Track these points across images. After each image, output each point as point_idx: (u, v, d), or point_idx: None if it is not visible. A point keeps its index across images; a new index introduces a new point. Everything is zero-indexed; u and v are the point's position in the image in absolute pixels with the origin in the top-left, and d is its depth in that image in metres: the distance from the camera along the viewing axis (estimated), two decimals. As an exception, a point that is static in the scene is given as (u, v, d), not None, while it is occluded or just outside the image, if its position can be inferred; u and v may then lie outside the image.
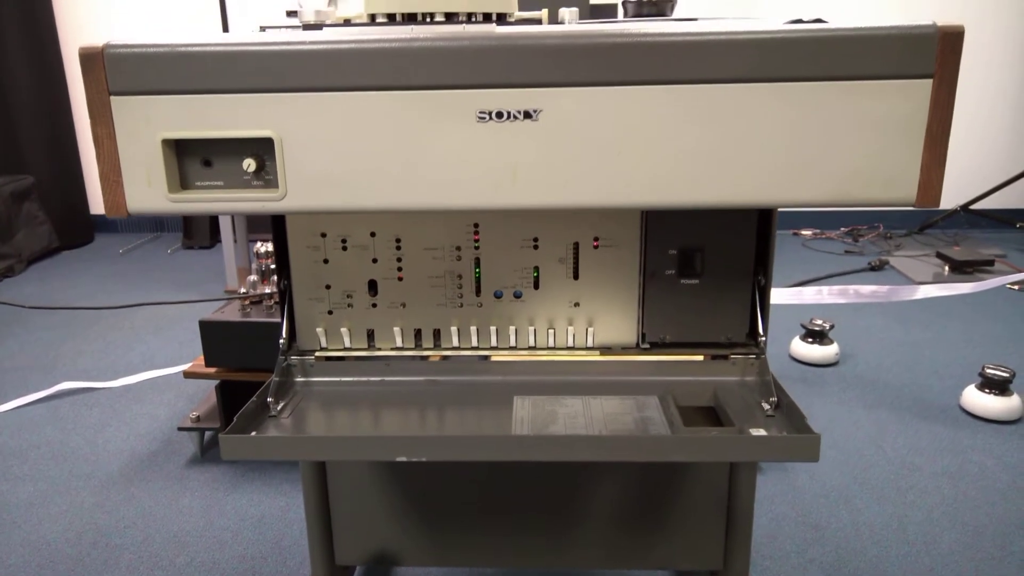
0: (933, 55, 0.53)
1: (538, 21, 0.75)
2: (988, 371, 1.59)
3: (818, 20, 0.58)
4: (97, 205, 3.30)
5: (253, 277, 1.40)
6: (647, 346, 0.74)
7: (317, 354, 0.76)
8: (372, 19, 0.65)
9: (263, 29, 2.15)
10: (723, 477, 0.84)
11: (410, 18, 0.65)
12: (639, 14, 0.91)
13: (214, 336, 1.36)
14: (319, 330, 0.76)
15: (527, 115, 0.55)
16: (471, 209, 0.58)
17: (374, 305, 0.76)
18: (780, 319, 2.04)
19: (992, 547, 1.19)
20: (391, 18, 0.65)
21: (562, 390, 0.72)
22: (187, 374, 1.44)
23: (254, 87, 0.56)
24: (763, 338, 0.71)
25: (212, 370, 1.41)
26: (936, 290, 1.70)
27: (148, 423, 1.65)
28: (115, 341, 2.14)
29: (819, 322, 1.87)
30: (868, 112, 0.54)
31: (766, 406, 0.67)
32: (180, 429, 1.47)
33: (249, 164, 0.58)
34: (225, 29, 2.22)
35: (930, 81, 0.53)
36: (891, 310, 2.22)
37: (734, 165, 0.56)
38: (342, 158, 0.57)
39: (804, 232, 3.17)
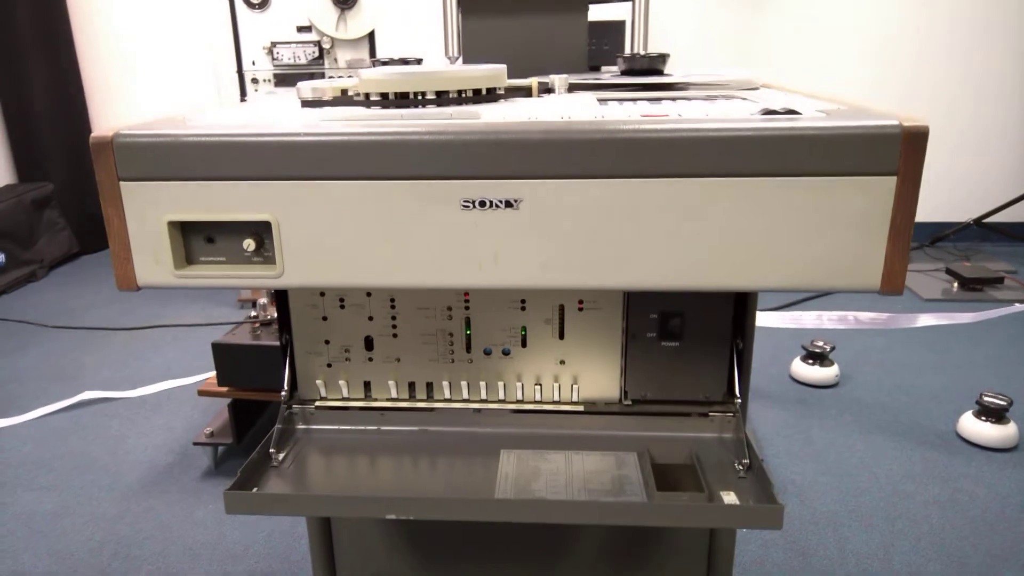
0: (896, 154, 0.56)
1: (528, 90, 0.78)
2: (986, 399, 1.61)
3: (790, 111, 0.61)
4: (117, 208, 3.36)
5: (263, 300, 1.45)
6: (629, 403, 0.78)
7: (317, 404, 0.81)
8: (367, 97, 0.69)
9: (274, 45, 2.17)
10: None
11: (402, 96, 0.69)
12: (631, 71, 0.94)
13: (226, 358, 1.41)
14: (319, 382, 0.80)
15: (508, 204, 0.59)
16: (456, 288, 0.61)
17: (370, 359, 0.80)
18: (781, 339, 2.07)
19: (976, 579, 1.22)
20: (384, 96, 0.68)
21: (547, 443, 0.76)
22: (201, 392, 1.49)
23: (253, 175, 0.60)
24: (739, 400, 0.75)
25: (224, 389, 1.46)
26: (936, 319, 1.72)
27: (165, 435, 1.70)
28: (135, 351, 2.20)
29: (820, 343, 1.90)
30: (834, 206, 0.57)
31: (739, 467, 0.70)
32: (195, 444, 1.53)
33: (249, 244, 0.62)
34: (236, 44, 2.26)
35: (894, 178, 0.56)
36: (894, 330, 2.23)
37: (706, 252, 0.59)
38: (335, 240, 0.61)
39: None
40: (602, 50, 2.30)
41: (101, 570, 1.27)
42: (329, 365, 0.80)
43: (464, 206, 0.59)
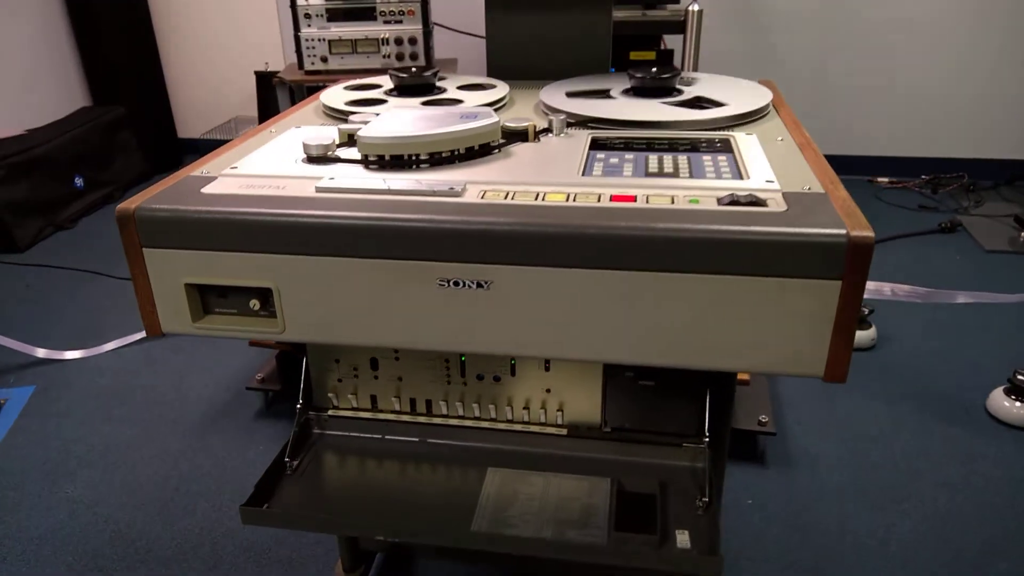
0: (842, 261, 0.58)
1: (523, 134, 0.81)
2: (1019, 376, 1.60)
3: (753, 200, 0.63)
4: (184, 130, 3.50)
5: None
6: (608, 430, 0.84)
7: (330, 412, 0.90)
8: (365, 159, 0.74)
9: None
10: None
11: (397, 159, 0.73)
12: (642, 90, 0.95)
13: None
14: (331, 394, 0.89)
15: (479, 285, 0.64)
16: (437, 351, 0.68)
17: (376, 377, 0.88)
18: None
19: (968, 569, 1.26)
20: (380, 158, 0.73)
21: (532, 462, 0.84)
22: (252, 343, 1.62)
23: (256, 248, 0.66)
24: (707, 439, 0.80)
25: (272, 342, 1.58)
26: (976, 298, 1.69)
27: (223, 372, 1.86)
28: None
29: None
30: (783, 304, 0.61)
31: (700, 503, 0.77)
32: (248, 388, 1.67)
33: (255, 303, 0.69)
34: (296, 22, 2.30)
35: (839, 283, 0.59)
36: (946, 286, 2.19)
37: (663, 335, 0.64)
38: (328, 306, 0.68)
39: (880, 180, 3.07)
40: None
41: (164, 503, 1.44)
42: (340, 380, 0.89)
43: (440, 284, 0.65)
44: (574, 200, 0.65)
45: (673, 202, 0.64)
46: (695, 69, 2.20)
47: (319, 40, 2.32)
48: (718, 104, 0.90)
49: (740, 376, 1.46)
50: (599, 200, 0.65)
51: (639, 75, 0.94)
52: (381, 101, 0.97)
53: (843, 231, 0.58)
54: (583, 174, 0.71)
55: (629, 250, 0.60)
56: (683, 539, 0.73)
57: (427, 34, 2.33)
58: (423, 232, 0.63)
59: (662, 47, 2.33)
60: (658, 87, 0.95)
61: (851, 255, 0.58)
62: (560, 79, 1.10)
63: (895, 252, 2.46)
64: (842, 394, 1.73)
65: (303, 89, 2.53)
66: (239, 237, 0.66)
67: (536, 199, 0.66)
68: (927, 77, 2.95)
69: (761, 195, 0.64)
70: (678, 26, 2.18)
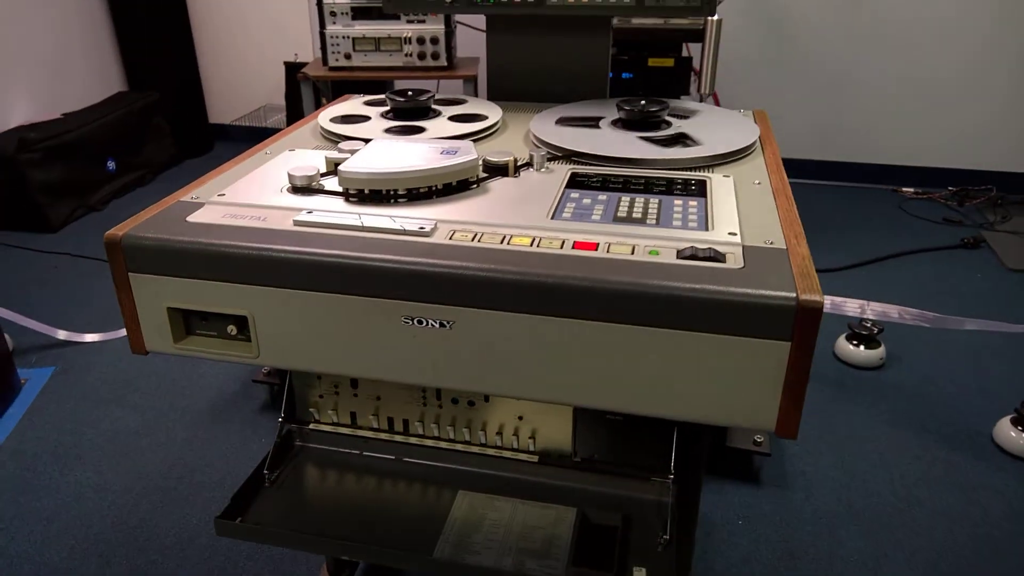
0: (791, 324, 0.59)
1: (504, 168, 0.82)
2: (1025, 407, 1.58)
3: (711, 256, 0.64)
4: (215, 115, 3.56)
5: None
6: (578, 460, 0.86)
7: (311, 426, 0.93)
8: (346, 191, 0.76)
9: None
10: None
11: (376, 193, 0.75)
12: (630, 123, 0.96)
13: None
14: (312, 409, 0.92)
15: (442, 324, 0.66)
16: (403, 383, 0.70)
17: (355, 395, 0.90)
18: (830, 315, 2.04)
19: (953, 603, 1.26)
20: (360, 192, 0.75)
21: (502, 486, 0.86)
22: (260, 339, 1.66)
23: (234, 278, 0.69)
24: (671, 476, 0.81)
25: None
26: (985, 326, 1.66)
27: (233, 364, 1.90)
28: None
29: (868, 323, 1.88)
30: (736, 360, 0.62)
31: (660, 540, 0.78)
32: (254, 381, 1.72)
33: (231, 329, 0.72)
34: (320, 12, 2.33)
35: (788, 344, 0.60)
36: (962, 307, 2.16)
37: (617, 383, 0.65)
38: (299, 335, 0.70)
39: (905, 190, 3.02)
40: None
41: (168, 491, 1.49)
42: (321, 396, 0.92)
43: (405, 322, 0.67)
44: (538, 245, 0.67)
45: (633, 252, 0.65)
46: (713, 77, 2.18)
47: (343, 37, 2.35)
48: (697, 144, 0.91)
49: (735, 396, 1.47)
50: (562, 246, 0.66)
51: (627, 108, 0.95)
52: (378, 124, 0.99)
53: (793, 295, 0.59)
54: (552, 217, 0.72)
55: (584, 301, 0.62)
56: (640, 575, 0.75)
57: (449, 33, 2.34)
58: (389, 272, 0.65)
59: (684, 54, 2.32)
60: (646, 120, 0.95)
61: (800, 318, 0.59)
62: (558, 102, 1.11)
63: (914, 267, 2.42)
64: (845, 414, 1.72)
65: (328, 85, 2.56)
66: (218, 267, 0.69)
67: (502, 242, 0.67)
68: (955, 85, 2.89)
69: (721, 249, 0.65)
70: (698, 35, 2.16)
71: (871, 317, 1.74)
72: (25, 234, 2.68)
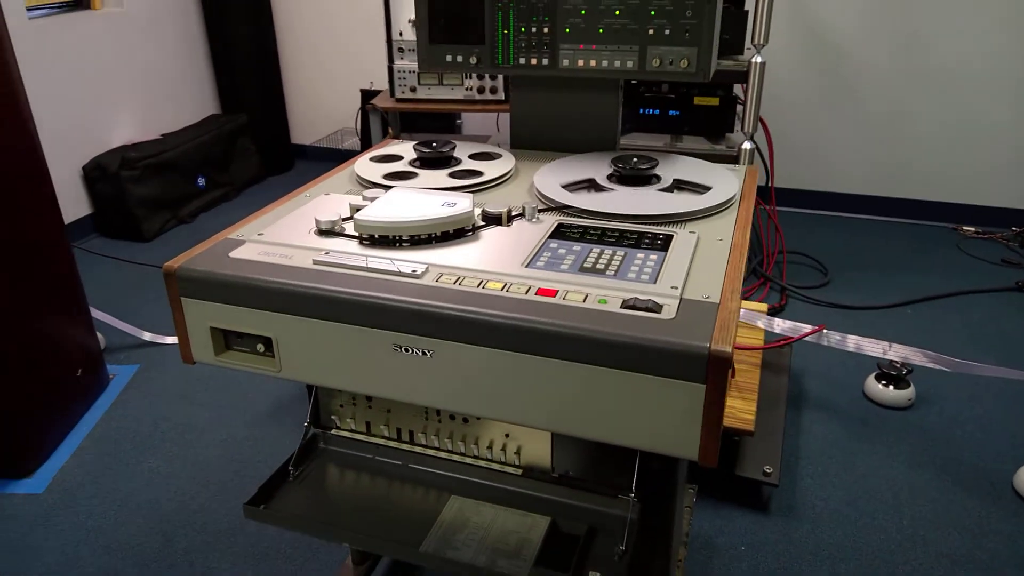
0: (704, 369, 0.70)
1: (498, 218, 0.95)
2: (1047, 455, 1.60)
3: (649, 307, 0.75)
4: (297, 136, 3.83)
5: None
6: (556, 475, 0.98)
7: (333, 431, 1.08)
8: (360, 236, 0.90)
9: (411, 21, 2.39)
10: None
11: (384, 238, 0.89)
12: (623, 180, 1.07)
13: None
14: (333, 416, 1.07)
15: (424, 352, 0.80)
16: (398, 400, 0.84)
17: (370, 407, 1.05)
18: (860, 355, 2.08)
19: (939, 640, 1.30)
20: (371, 237, 0.90)
21: (489, 494, 0.99)
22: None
23: (262, 306, 0.84)
24: (632, 495, 0.92)
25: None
26: (1004, 374, 1.68)
27: (294, 370, 2.09)
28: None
29: (897, 363, 1.91)
30: (660, 397, 0.72)
31: (617, 551, 0.89)
32: (308, 386, 1.89)
33: (260, 347, 0.88)
34: (388, 18, 2.51)
35: (703, 386, 0.71)
36: (1008, 350, 2.15)
37: (567, 411, 0.77)
38: (313, 355, 0.85)
39: (966, 229, 2.99)
40: (722, 40, 2.30)
41: (223, 484, 1.68)
42: (341, 406, 1.06)
43: (394, 349, 0.81)
44: (507, 290, 0.79)
45: (585, 300, 0.77)
46: (756, 117, 2.25)
47: (410, 72, 2.53)
48: (680, 199, 1.01)
49: (742, 427, 1.55)
50: (527, 292, 0.79)
51: (620, 164, 1.07)
52: (406, 174, 1.13)
53: (706, 345, 0.69)
54: (527, 265, 0.85)
55: (535, 340, 0.74)
56: (593, 578, 0.86)
57: (508, 71, 2.49)
58: (382, 307, 0.79)
59: (735, 94, 2.39)
60: (636, 176, 1.07)
61: (711, 365, 0.69)
62: (572, 151, 1.23)
63: (964, 307, 2.42)
64: (865, 452, 1.76)
65: (397, 116, 2.75)
66: (250, 296, 0.84)
67: (478, 286, 0.80)
68: (1017, 123, 2.85)
69: (660, 301, 0.76)
70: (743, 76, 2.24)
71: (892, 357, 1.78)
72: (122, 243, 2.97)
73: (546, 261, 0.86)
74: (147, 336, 2.26)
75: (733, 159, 2.32)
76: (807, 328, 1.87)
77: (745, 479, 1.59)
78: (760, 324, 1.92)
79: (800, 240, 2.94)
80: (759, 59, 2.21)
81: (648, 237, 0.91)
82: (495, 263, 0.85)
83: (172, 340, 2.25)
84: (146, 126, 3.24)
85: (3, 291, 1.62)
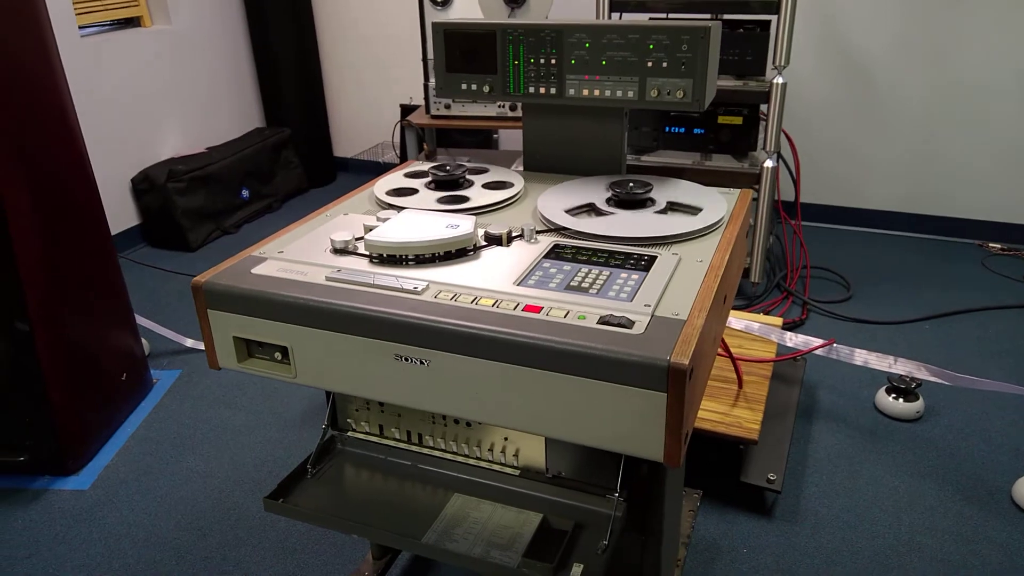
0: (665, 380, 0.78)
1: (499, 239, 1.04)
2: (1049, 468, 1.63)
3: (621, 323, 0.83)
4: (339, 149, 3.97)
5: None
6: (550, 475, 1.06)
7: (349, 433, 1.18)
8: (370, 256, 1.00)
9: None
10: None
11: (392, 257, 0.99)
12: (622, 203, 1.15)
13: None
14: (349, 419, 1.17)
15: (421, 362, 0.89)
16: (401, 405, 0.93)
17: (382, 411, 1.14)
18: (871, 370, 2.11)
19: (930, 645, 1.35)
20: (380, 256, 0.99)
21: (488, 492, 1.08)
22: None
23: (279, 318, 0.94)
24: (617, 494, 1.00)
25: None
26: (1003, 388, 1.71)
27: (325, 375, 2.21)
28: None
29: (907, 377, 1.94)
30: (629, 404, 0.80)
31: (601, 545, 0.97)
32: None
33: (278, 355, 0.98)
34: (423, 35, 2.62)
35: (664, 394, 0.79)
36: (1018, 366, 2.17)
37: (548, 415, 0.85)
38: (324, 362, 0.94)
39: (992, 245, 2.99)
40: (745, 61, 2.36)
41: (258, 483, 1.79)
42: (357, 410, 1.16)
43: (396, 358, 0.90)
44: (497, 306, 0.88)
45: (566, 316, 0.85)
46: (779, 135, 2.31)
47: (440, 91, 2.64)
48: (671, 221, 1.09)
49: (747, 436, 1.61)
50: (515, 308, 0.87)
51: (617, 189, 1.15)
52: (417, 191, 1.23)
53: (666, 358, 0.77)
54: (519, 283, 0.93)
55: (518, 352, 0.83)
56: (576, 571, 0.94)
57: (533, 89, 2.58)
58: (384, 321, 0.88)
59: (759, 113, 2.45)
60: (631, 200, 1.14)
61: (671, 376, 0.77)
62: (581, 174, 1.32)
63: (983, 323, 2.43)
64: (871, 462, 1.80)
65: (433, 132, 2.86)
66: (268, 309, 0.94)
67: (472, 302, 0.89)
68: (1053, 143, 2.85)
69: (632, 317, 0.84)
70: (765, 96, 2.30)
71: (899, 372, 1.82)
72: (168, 252, 3.13)
73: (537, 280, 0.94)
74: (189, 343, 2.39)
75: (757, 177, 2.37)
76: (818, 342, 1.92)
77: (750, 485, 1.65)
78: (773, 338, 1.97)
79: (826, 255, 2.97)
80: (780, 80, 2.27)
81: (634, 258, 0.99)
82: (490, 281, 0.94)
83: (212, 346, 2.38)
84: (192, 139, 3.41)
85: (52, 299, 1.76)
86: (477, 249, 1.03)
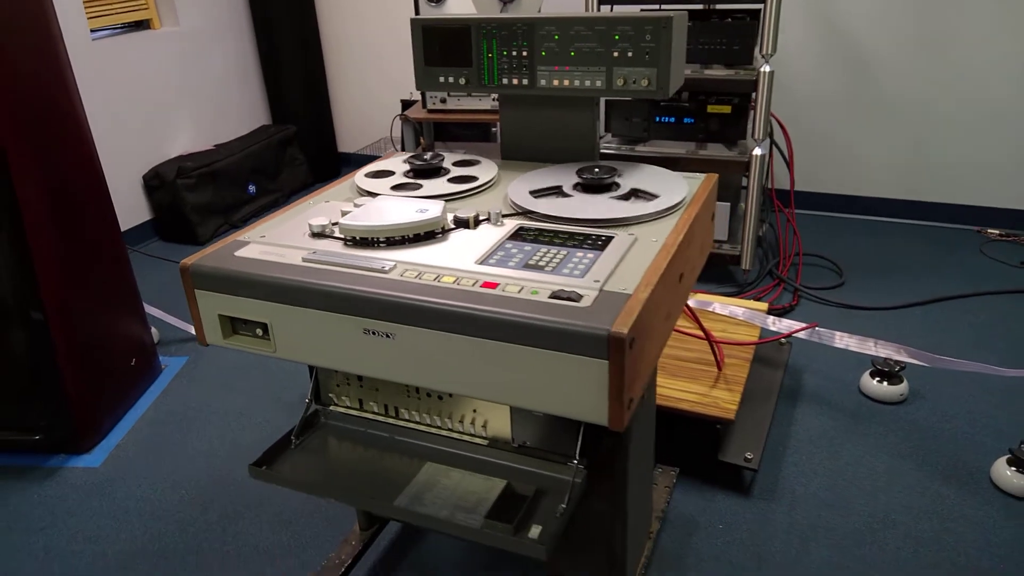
0: (606, 349, 0.84)
1: (467, 222, 1.10)
2: (1022, 447, 1.66)
3: (570, 297, 0.89)
4: (343, 145, 4.05)
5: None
6: (516, 445, 1.13)
7: (331, 407, 1.25)
8: (345, 237, 1.07)
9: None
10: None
11: (364, 240, 1.06)
12: (587, 188, 1.21)
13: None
14: (331, 394, 1.24)
15: (387, 335, 0.95)
16: (370, 376, 1.00)
17: (361, 385, 1.21)
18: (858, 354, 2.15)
19: (895, 613, 1.40)
20: (354, 239, 1.06)
21: (458, 461, 1.14)
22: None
23: (258, 296, 1.01)
24: (576, 461, 1.06)
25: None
26: (979, 369, 1.75)
27: (325, 361, 2.29)
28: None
29: (891, 360, 1.99)
30: (576, 370, 0.86)
31: (559, 509, 1.03)
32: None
33: (259, 331, 1.05)
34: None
35: (605, 362, 0.85)
36: (1015, 351, 2.20)
37: (501, 383, 0.91)
38: (301, 337, 1.01)
39: (991, 232, 3.01)
40: (732, 50, 2.40)
41: (258, 461, 1.87)
42: (338, 385, 1.23)
43: (364, 332, 0.97)
44: (457, 283, 0.94)
45: (520, 291, 0.92)
46: (767, 123, 2.35)
47: (437, 85, 2.70)
48: (633, 204, 1.15)
49: (723, 416, 1.66)
50: (473, 285, 0.94)
51: (584, 175, 1.21)
52: (404, 185, 1.30)
53: (607, 328, 0.83)
54: (480, 262, 0.99)
55: (473, 324, 0.89)
56: (535, 531, 1.00)
57: (528, 83, 2.64)
58: (353, 297, 0.95)
59: (750, 102, 2.49)
60: (596, 184, 1.20)
61: (611, 345, 0.83)
62: (556, 162, 1.38)
63: (975, 309, 2.46)
64: (852, 443, 1.85)
65: (431, 126, 2.93)
66: (249, 288, 1.01)
67: (435, 279, 0.96)
68: (1049, 131, 2.87)
69: (581, 292, 0.90)
70: (752, 85, 2.34)
71: (878, 354, 1.86)
72: (178, 246, 3.23)
73: (498, 259, 1.00)
74: (194, 330, 2.48)
75: (747, 164, 2.41)
76: (799, 326, 1.97)
77: (728, 464, 1.71)
78: (756, 323, 2.02)
79: (821, 243, 3.01)
80: (767, 68, 2.31)
81: (591, 239, 1.05)
82: (454, 261, 1.00)
83: (218, 334, 2.46)
84: (201, 137, 3.50)
85: (66, 289, 1.85)
86: (445, 232, 1.09)
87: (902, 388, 1.99)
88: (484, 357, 0.91)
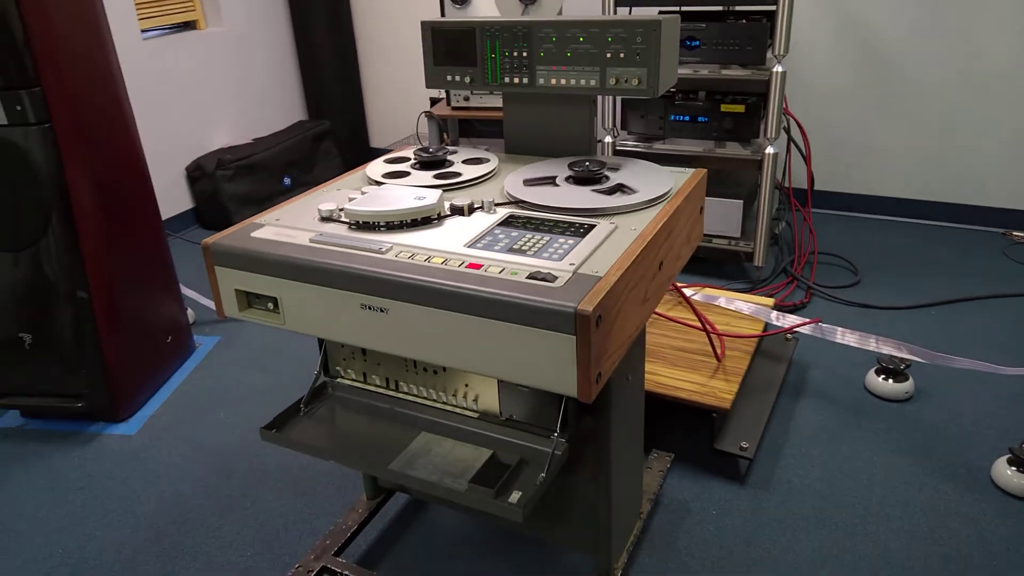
0: (573, 325, 0.92)
1: (461, 209, 1.19)
2: (1022, 446, 1.69)
3: (545, 277, 0.98)
4: (375, 140, 4.17)
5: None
6: (504, 418, 1.21)
7: (338, 380, 1.35)
8: (350, 222, 1.16)
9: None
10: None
11: (367, 224, 1.15)
12: (579, 180, 1.29)
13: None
14: (338, 367, 1.34)
15: (381, 310, 1.05)
16: (367, 347, 1.10)
17: (365, 360, 1.31)
18: (865, 351, 2.17)
19: (875, 597, 1.44)
20: (358, 223, 1.15)
21: (451, 431, 1.23)
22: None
23: (269, 273, 1.11)
24: (557, 434, 1.14)
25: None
26: (975, 366, 1.77)
27: (348, 346, 2.40)
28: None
29: (897, 358, 2.02)
30: (548, 344, 0.94)
31: (540, 477, 1.12)
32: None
33: (270, 305, 1.15)
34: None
35: (573, 337, 0.93)
36: (1021, 352, 2.21)
37: (482, 355, 1.00)
38: (307, 311, 1.11)
39: (1016, 234, 2.99)
40: (746, 51, 2.44)
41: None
42: (344, 359, 1.33)
43: (362, 307, 1.06)
44: (445, 263, 1.03)
45: (501, 272, 1.00)
46: (779, 122, 2.39)
47: (463, 83, 2.80)
48: (619, 196, 1.22)
49: (719, 405, 1.72)
50: (459, 265, 1.02)
51: (576, 168, 1.28)
52: (406, 173, 1.39)
53: (573, 306, 0.91)
54: (469, 246, 1.08)
55: (456, 300, 0.98)
56: (515, 497, 1.09)
57: (551, 81, 2.72)
58: (351, 275, 1.04)
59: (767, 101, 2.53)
60: (586, 177, 1.28)
61: (578, 321, 0.91)
62: (555, 156, 1.46)
63: (990, 310, 2.46)
64: (853, 438, 1.88)
65: (455, 123, 3.03)
66: (261, 265, 1.11)
67: (425, 260, 1.04)
68: (1076, 135, 2.85)
69: (556, 274, 0.98)
70: (763, 85, 2.39)
71: (879, 351, 1.90)
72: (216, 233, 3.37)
73: (485, 243, 1.09)
74: (229, 313, 2.61)
75: (760, 163, 2.46)
76: (802, 320, 2.02)
77: (725, 453, 1.76)
78: (760, 317, 2.07)
79: (839, 242, 3.03)
80: (780, 68, 2.36)
81: (575, 226, 1.13)
82: (445, 244, 1.09)
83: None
84: (241, 131, 3.65)
85: (111, 270, 1.99)
86: (441, 218, 1.18)
87: (907, 386, 2.02)
88: (467, 331, 0.99)
